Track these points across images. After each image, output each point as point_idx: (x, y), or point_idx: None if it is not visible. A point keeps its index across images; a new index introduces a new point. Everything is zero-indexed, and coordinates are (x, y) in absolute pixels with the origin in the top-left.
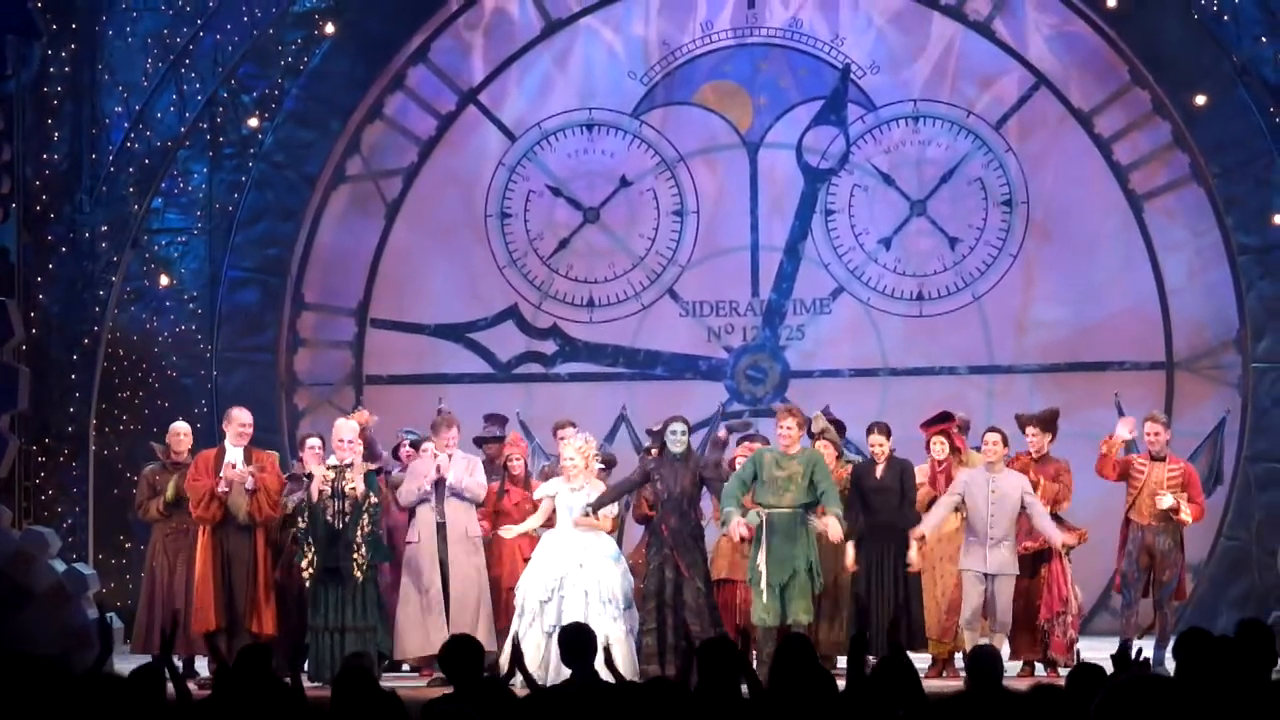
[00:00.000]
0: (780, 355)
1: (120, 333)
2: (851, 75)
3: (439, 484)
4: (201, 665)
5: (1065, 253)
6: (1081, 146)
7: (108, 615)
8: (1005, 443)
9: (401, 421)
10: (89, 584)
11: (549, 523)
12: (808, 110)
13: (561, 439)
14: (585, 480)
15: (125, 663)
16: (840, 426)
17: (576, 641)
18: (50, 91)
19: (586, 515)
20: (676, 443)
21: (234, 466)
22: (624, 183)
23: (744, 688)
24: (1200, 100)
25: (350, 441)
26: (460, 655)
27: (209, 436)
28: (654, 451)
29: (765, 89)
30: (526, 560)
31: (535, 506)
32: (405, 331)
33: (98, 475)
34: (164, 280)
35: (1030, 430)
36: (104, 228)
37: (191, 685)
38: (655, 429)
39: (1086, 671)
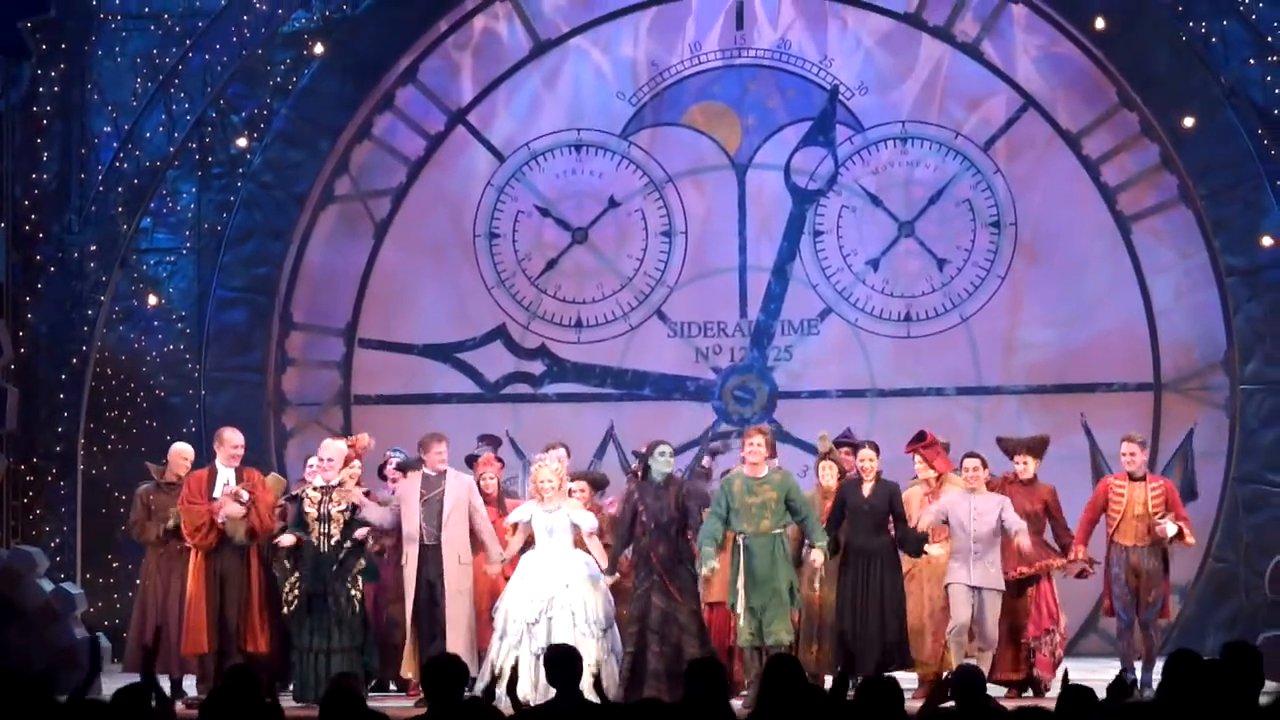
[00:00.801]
0: (768, 376)
1: (109, 352)
2: (840, 96)
3: (429, 504)
4: (190, 684)
5: (1053, 274)
6: (1069, 168)
7: (95, 634)
8: (984, 466)
9: (390, 441)
10: (77, 603)
11: (528, 543)
12: (796, 131)
13: (535, 461)
14: (560, 500)
15: (114, 682)
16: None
17: (563, 663)
18: (39, 111)
19: (613, 582)
20: (663, 465)
21: (238, 496)
22: (612, 203)
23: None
24: (1188, 122)
25: (331, 460)
26: (443, 675)
27: (197, 459)
28: (637, 476)
29: (753, 110)
30: (506, 579)
31: (509, 527)
32: (393, 351)
33: (86, 494)
34: (152, 300)
35: (1020, 459)
36: (93, 247)
37: (179, 705)
38: (641, 451)
39: (1077, 694)
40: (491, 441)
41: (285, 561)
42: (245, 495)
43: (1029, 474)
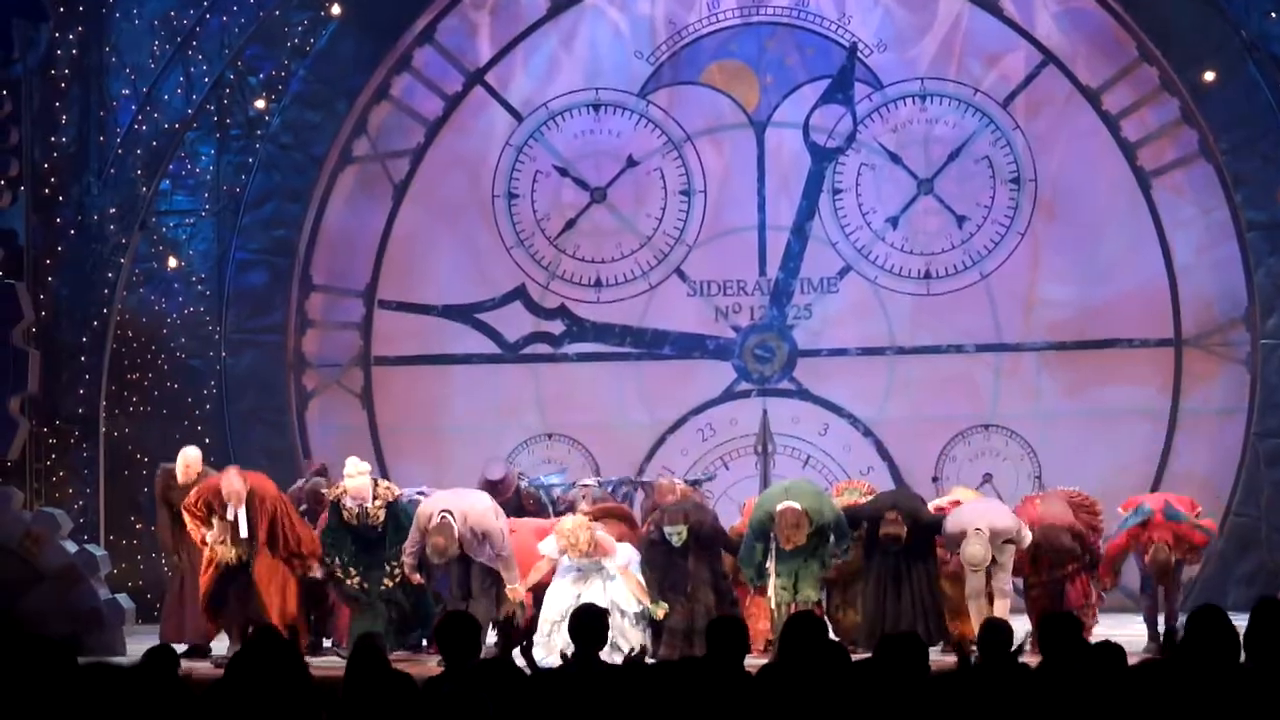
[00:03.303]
0: (788, 334)
1: (129, 315)
2: (858, 54)
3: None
4: (219, 646)
5: (1073, 230)
6: (1089, 124)
7: (118, 595)
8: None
9: (410, 402)
10: (100, 565)
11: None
12: (814, 89)
13: (570, 518)
14: (597, 554)
15: (140, 644)
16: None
17: (588, 623)
18: (58, 74)
19: (664, 613)
20: (674, 538)
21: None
22: (631, 163)
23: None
24: (1209, 76)
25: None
26: (456, 632)
27: (217, 419)
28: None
29: (772, 68)
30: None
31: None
32: (413, 312)
33: (108, 457)
34: (172, 262)
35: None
36: (112, 210)
37: (208, 664)
38: (636, 479)
39: (1106, 651)
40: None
41: (339, 567)
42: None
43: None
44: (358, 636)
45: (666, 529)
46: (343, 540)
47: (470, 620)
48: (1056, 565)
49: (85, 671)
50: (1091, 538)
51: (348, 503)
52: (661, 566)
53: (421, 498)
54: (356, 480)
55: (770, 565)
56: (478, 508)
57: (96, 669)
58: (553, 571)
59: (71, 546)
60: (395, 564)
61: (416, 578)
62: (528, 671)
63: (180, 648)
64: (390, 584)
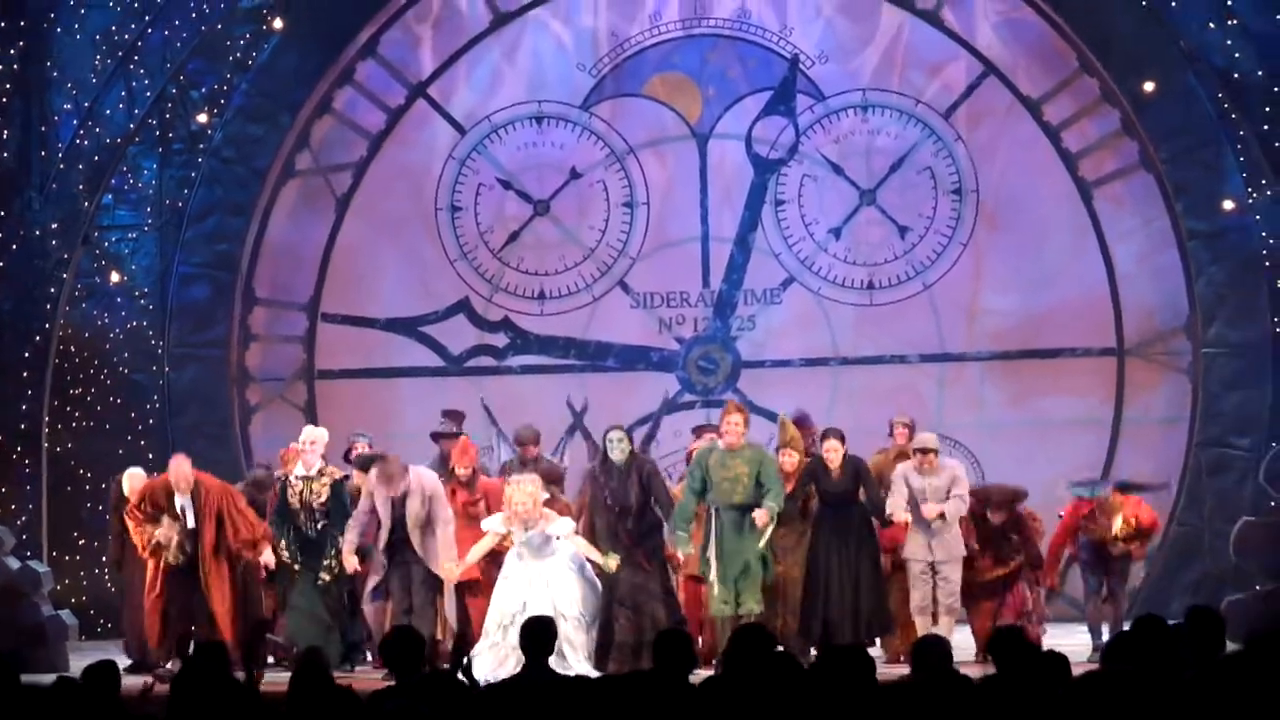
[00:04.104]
0: (731, 345)
1: (72, 329)
2: (800, 65)
3: (398, 520)
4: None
5: (1015, 240)
6: (1030, 134)
7: (60, 611)
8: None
9: (354, 417)
10: (43, 581)
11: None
12: (756, 101)
13: (510, 482)
14: (539, 518)
15: (83, 659)
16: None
17: (538, 635)
18: None
19: (618, 565)
20: (616, 450)
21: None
22: (574, 175)
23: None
24: (1149, 87)
25: (314, 445)
26: (401, 647)
27: (160, 434)
28: (597, 463)
29: (714, 80)
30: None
31: (481, 506)
32: (357, 326)
33: (51, 472)
34: (115, 277)
35: (993, 513)
36: (54, 225)
37: (147, 678)
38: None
39: (1050, 661)
40: (456, 418)
41: (283, 546)
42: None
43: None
44: (303, 651)
45: (610, 435)
46: (284, 534)
47: (415, 635)
48: (1000, 549)
49: (25, 689)
50: (1032, 536)
51: (298, 472)
52: (605, 509)
53: (360, 441)
54: (313, 434)
55: (711, 557)
56: (430, 474)
57: (37, 687)
58: (493, 554)
59: (14, 563)
60: (334, 555)
61: (353, 562)
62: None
63: (124, 661)
64: (327, 578)
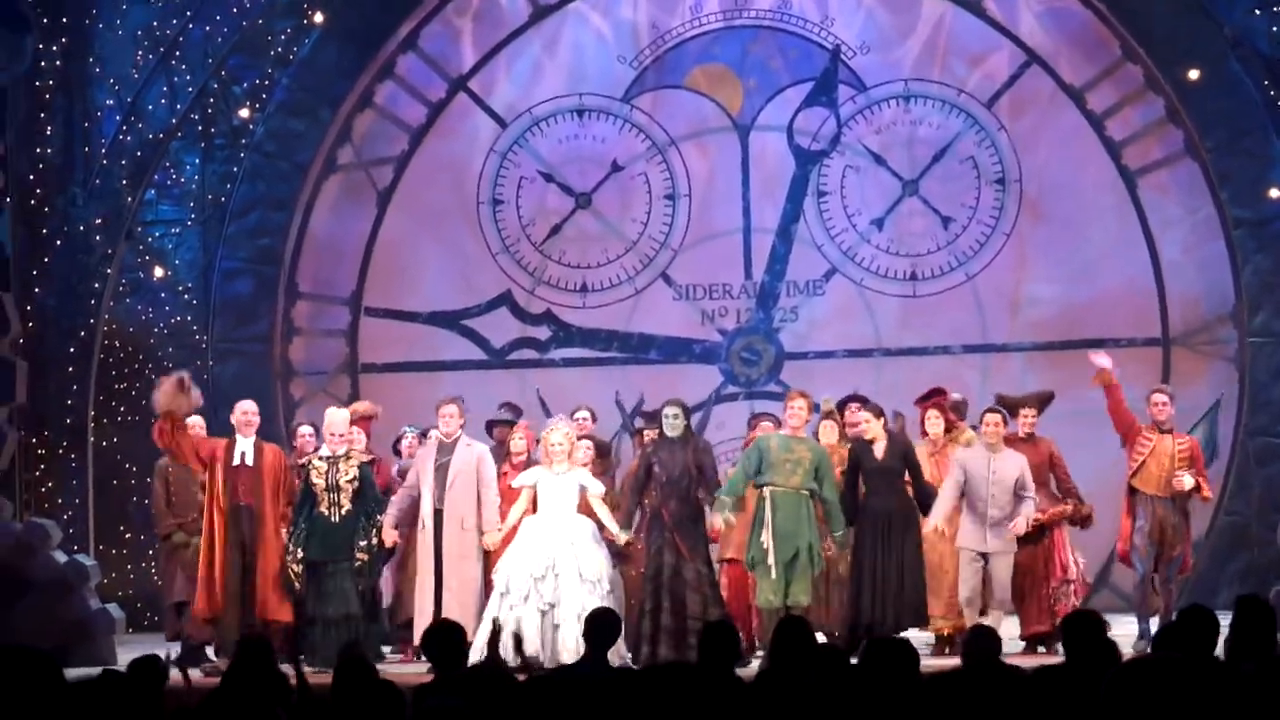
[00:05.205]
0: (774, 337)
1: (116, 325)
2: (842, 56)
3: (440, 470)
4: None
5: (1059, 230)
6: (1074, 123)
7: (108, 605)
8: (1005, 423)
9: (397, 408)
10: (90, 575)
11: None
12: (798, 92)
13: (547, 426)
14: (570, 466)
15: (130, 652)
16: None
17: (604, 628)
18: (42, 85)
19: (628, 541)
20: (672, 427)
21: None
22: (615, 167)
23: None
24: (1193, 74)
25: (342, 435)
26: (442, 641)
27: (207, 428)
28: (650, 435)
29: (755, 71)
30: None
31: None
32: (399, 319)
33: (97, 466)
34: (158, 272)
35: (1026, 412)
36: (98, 220)
37: (198, 673)
38: (651, 411)
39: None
40: (514, 410)
41: (296, 537)
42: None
43: (1032, 429)
44: (343, 646)
45: (667, 410)
46: (299, 522)
47: (456, 628)
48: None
49: (71, 683)
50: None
51: (323, 453)
52: (653, 482)
53: (410, 433)
54: (339, 415)
55: (766, 540)
56: (483, 447)
57: (82, 681)
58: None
59: (61, 557)
60: (367, 535)
61: (393, 536)
62: (508, 671)
63: (175, 651)
64: (364, 559)
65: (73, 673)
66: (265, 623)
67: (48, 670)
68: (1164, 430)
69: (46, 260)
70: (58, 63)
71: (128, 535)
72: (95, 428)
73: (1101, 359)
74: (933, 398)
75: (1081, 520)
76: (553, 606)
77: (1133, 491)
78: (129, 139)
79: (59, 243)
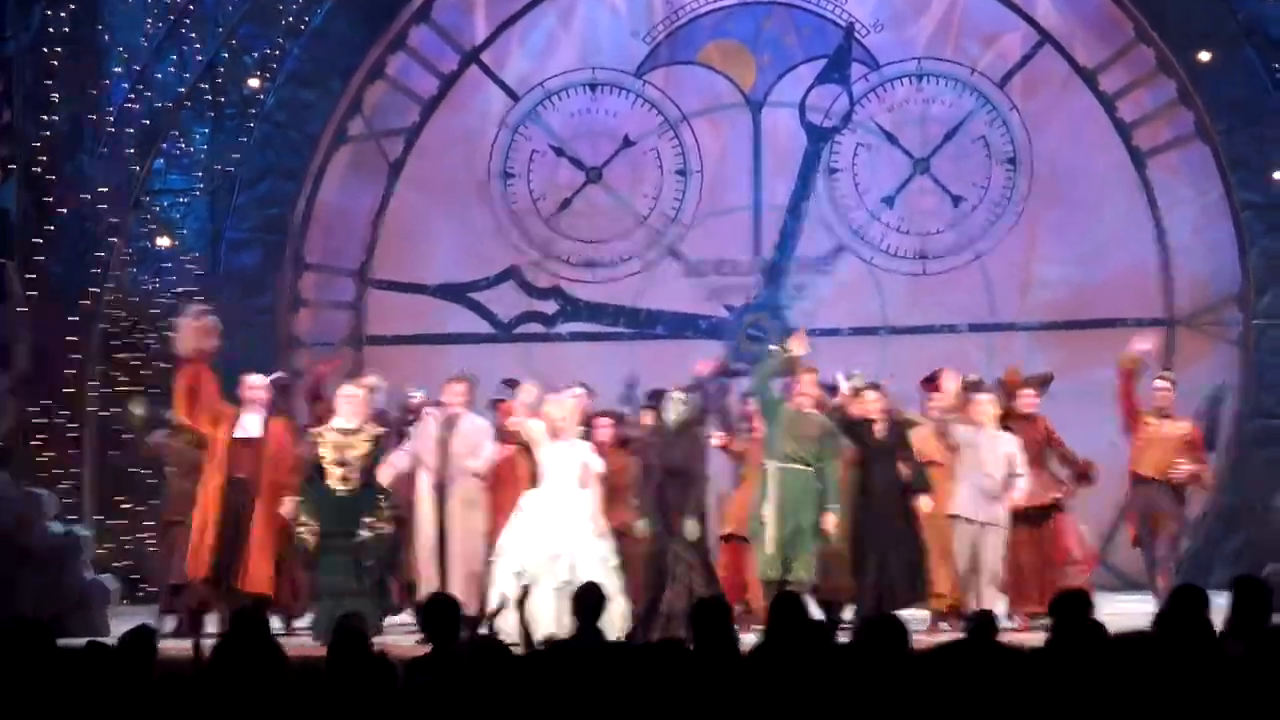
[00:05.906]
0: (781, 314)
1: (121, 294)
2: (855, 33)
3: (441, 445)
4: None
5: (1068, 211)
6: (1085, 104)
7: (103, 576)
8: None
9: (403, 381)
10: (85, 546)
11: (533, 480)
12: (811, 69)
13: (551, 399)
14: (574, 438)
15: (125, 623)
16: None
17: (591, 600)
18: (50, 53)
19: (642, 533)
20: (671, 411)
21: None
22: (627, 142)
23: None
24: (1205, 57)
25: (355, 399)
26: (438, 614)
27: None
28: (648, 421)
29: (768, 48)
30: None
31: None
32: (406, 292)
33: (96, 437)
34: (165, 241)
35: (1027, 393)
36: (105, 189)
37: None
38: (655, 390)
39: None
40: (514, 386)
41: (307, 509)
42: None
43: (1032, 408)
44: (339, 618)
45: (673, 395)
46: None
47: (452, 601)
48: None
49: (64, 653)
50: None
51: (336, 424)
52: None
53: (416, 395)
54: (353, 389)
55: (766, 514)
56: (480, 419)
57: (70, 650)
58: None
59: (57, 527)
60: (369, 518)
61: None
62: (508, 641)
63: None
64: (368, 535)
65: (63, 643)
66: (245, 594)
67: (43, 640)
68: (1164, 415)
69: (52, 228)
70: (67, 30)
71: (126, 506)
72: (96, 398)
73: (1144, 344)
74: (936, 380)
75: (1084, 477)
76: (568, 584)
77: (1134, 477)
78: (138, 107)
79: (65, 211)
